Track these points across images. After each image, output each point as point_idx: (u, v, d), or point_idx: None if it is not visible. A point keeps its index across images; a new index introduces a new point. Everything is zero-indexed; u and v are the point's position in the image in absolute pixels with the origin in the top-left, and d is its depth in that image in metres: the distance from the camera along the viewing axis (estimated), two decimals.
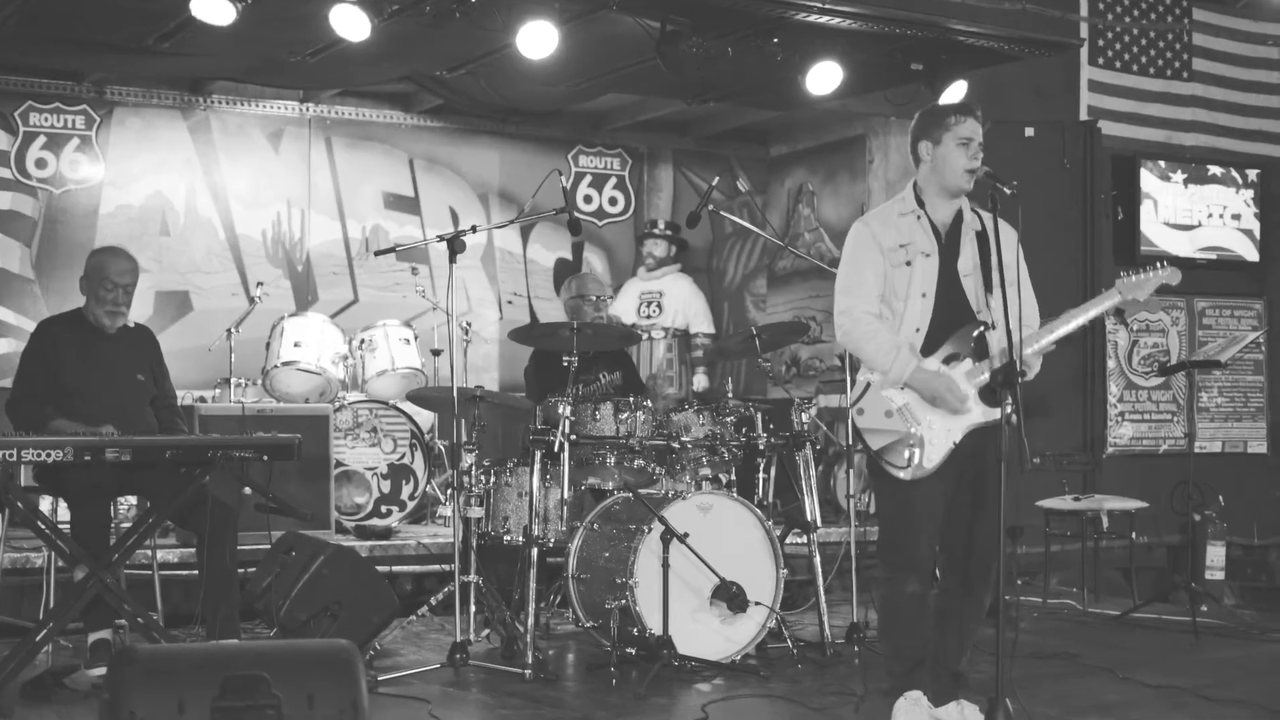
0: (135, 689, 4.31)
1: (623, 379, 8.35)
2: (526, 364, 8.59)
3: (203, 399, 9.16)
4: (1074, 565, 9.74)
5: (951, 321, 5.58)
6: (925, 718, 5.58)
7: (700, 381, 11.05)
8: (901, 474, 5.53)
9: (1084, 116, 10.78)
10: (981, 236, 5.66)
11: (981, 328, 5.58)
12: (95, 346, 6.86)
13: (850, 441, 5.71)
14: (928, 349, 5.58)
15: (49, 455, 5.92)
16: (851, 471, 8.22)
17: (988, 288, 5.60)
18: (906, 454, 5.52)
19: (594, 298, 8.69)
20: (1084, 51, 10.76)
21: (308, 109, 10.87)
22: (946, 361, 5.57)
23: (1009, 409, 5.30)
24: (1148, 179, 10.81)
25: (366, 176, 11.18)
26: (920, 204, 5.68)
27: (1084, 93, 10.84)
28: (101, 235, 10.11)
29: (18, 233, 10.07)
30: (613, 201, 12.04)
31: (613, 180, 12.05)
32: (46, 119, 10.13)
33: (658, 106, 11.09)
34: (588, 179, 11.94)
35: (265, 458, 6.38)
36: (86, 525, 6.47)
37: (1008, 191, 5.47)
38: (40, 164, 10.13)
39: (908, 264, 5.59)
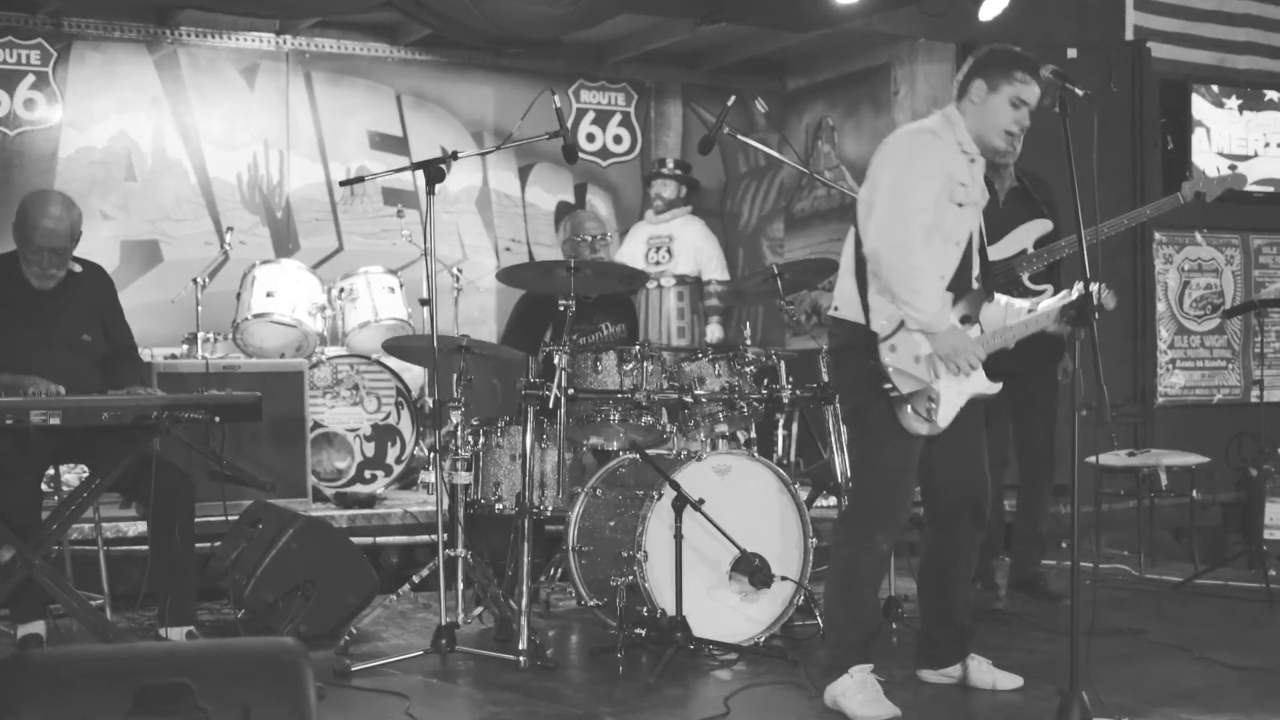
0: (27, 705, 3.50)
1: (626, 333, 7.57)
2: (515, 307, 7.81)
3: (173, 356, 8.33)
4: (1122, 526, 8.96)
5: (963, 279, 5.18)
6: (879, 693, 5.11)
7: (714, 332, 10.28)
8: (921, 427, 5.09)
9: (1129, 37, 9.91)
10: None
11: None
12: (28, 300, 6.02)
13: (866, 380, 5.15)
14: None
15: None
16: None
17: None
18: (926, 407, 5.07)
19: (589, 238, 7.91)
20: None
21: (285, 41, 10.01)
22: (962, 321, 5.15)
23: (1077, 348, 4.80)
24: (1199, 105, 9.96)
25: (350, 115, 10.31)
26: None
27: (1130, 11, 9.98)
28: (61, 180, 9.26)
29: None
30: (618, 140, 11.18)
31: (617, 117, 11.18)
32: None
33: (665, 34, 10.23)
34: (590, 115, 11.07)
35: (218, 419, 5.60)
36: (11, 499, 5.64)
37: (1080, 94, 4.93)
38: None
39: (959, 205, 5.10)
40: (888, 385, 5.04)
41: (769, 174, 11.48)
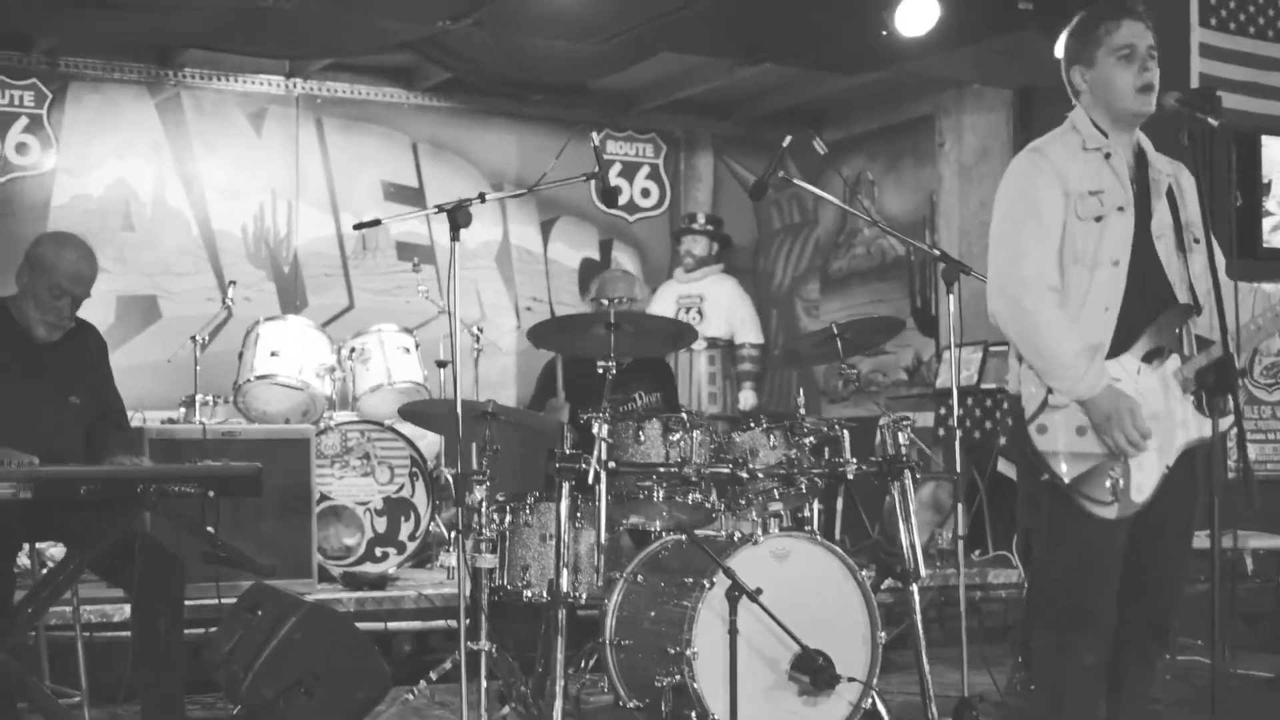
0: None
1: (663, 402, 6.90)
2: (544, 369, 7.24)
3: (170, 420, 7.72)
4: (1189, 612, 8.27)
5: (1146, 300, 4.24)
6: None
7: (747, 399, 9.69)
8: (1105, 511, 4.13)
9: (1194, 85, 9.31)
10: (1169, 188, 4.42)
11: (1189, 313, 4.28)
12: (17, 355, 5.39)
13: (1029, 467, 4.27)
14: (1120, 337, 4.21)
15: None
16: (960, 506, 6.67)
17: (1180, 250, 4.34)
18: (1109, 483, 4.11)
19: (609, 300, 7.25)
20: (1194, 11, 9.31)
21: (295, 85, 9.63)
22: (1148, 359, 4.22)
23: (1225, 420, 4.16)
24: (1271, 159, 9.34)
25: (363, 164, 9.90)
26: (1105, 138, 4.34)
27: (1194, 58, 9.38)
28: (54, 230, 8.69)
29: None
30: (645, 193, 10.67)
31: (645, 169, 10.68)
32: None
33: (697, 81, 9.76)
34: (617, 168, 10.56)
35: (211, 493, 4.95)
36: None
37: (1213, 123, 4.24)
38: None
39: (1098, 220, 4.22)
40: (1045, 477, 4.20)
41: (804, 231, 10.96)
